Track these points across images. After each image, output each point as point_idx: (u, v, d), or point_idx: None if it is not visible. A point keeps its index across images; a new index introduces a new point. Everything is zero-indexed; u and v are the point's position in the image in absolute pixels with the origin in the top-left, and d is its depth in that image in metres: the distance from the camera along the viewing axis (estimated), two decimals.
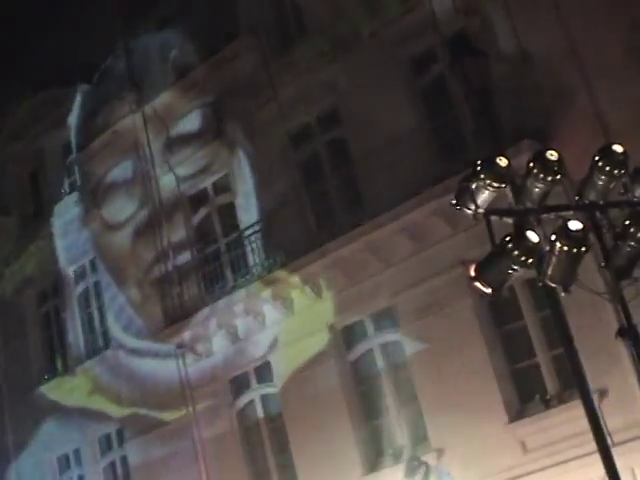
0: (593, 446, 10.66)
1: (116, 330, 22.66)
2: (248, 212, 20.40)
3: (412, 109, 18.39)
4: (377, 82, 18.51)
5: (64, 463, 23.95)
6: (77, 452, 23.56)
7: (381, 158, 17.85)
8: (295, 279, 18.83)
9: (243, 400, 20.42)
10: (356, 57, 18.92)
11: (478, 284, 7.98)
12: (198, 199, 21.93)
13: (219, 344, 20.31)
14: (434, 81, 18.64)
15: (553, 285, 8.36)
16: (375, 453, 18.27)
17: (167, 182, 21.98)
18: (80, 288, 24.18)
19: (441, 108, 18.25)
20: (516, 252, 7.89)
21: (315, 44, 19.59)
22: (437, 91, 18.43)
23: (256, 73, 20.26)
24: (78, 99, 24.01)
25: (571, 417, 15.11)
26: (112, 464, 23.00)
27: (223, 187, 21.40)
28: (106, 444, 23.08)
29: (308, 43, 19.83)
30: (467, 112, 17.68)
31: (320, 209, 19.73)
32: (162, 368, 21.18)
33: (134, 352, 21.89)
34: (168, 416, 21.01)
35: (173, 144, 21.79)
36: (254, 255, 19.95)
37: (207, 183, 21.67)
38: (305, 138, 20.20)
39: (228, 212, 21.20)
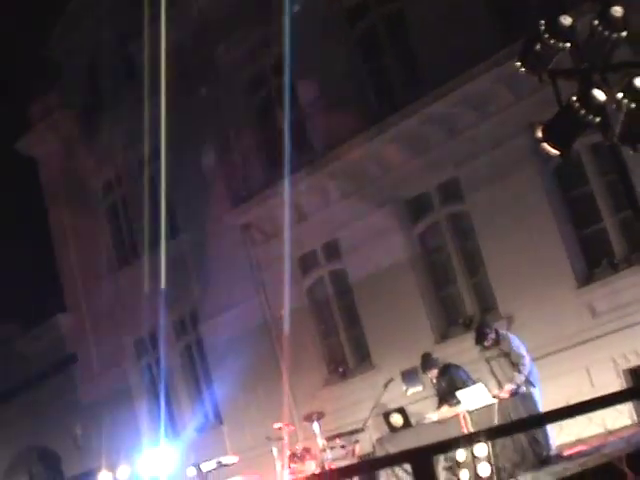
0: None
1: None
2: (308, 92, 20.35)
3: None
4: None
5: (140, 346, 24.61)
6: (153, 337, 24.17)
7: (439, 29, 17.61)
8: (357, 154, 18.84)
9: (312, 277, 20.73)
10: None
11: (546, 145, 7.95)
12: (259, 80, 21.89)
13: (285, 223, 20.48)
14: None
15: (621, 144, 8.31)
16: (446, 323, 18.55)
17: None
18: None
19: None
20: (583, 111, 7.83)
21: None
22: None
23: None
24: None
25: (639, 280, 15.12)
26: (188, 347, 23.57)
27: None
28: (180, 327, 23.60)
29: None
30: None
31: (380, 85, 19.61)
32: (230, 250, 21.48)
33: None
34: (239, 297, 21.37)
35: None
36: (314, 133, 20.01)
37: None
38: (362, 12, 19.95)
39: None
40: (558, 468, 11.74)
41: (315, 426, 15.56)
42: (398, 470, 12.90)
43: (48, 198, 26.76)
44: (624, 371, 16.03)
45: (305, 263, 20.82)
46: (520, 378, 13.36)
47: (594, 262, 16.79)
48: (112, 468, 18.74)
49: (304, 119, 20.36)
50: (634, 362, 15.96)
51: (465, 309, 18.24)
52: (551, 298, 16.52)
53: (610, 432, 12.78)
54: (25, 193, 26.84)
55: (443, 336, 18.34)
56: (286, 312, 18.22)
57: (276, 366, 20.40)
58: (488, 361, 13.92)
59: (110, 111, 24.39)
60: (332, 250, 20.30)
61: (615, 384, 15.40)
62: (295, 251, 20.49)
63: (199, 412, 23.22)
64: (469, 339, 14.62)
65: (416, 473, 4.97)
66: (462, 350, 15.56)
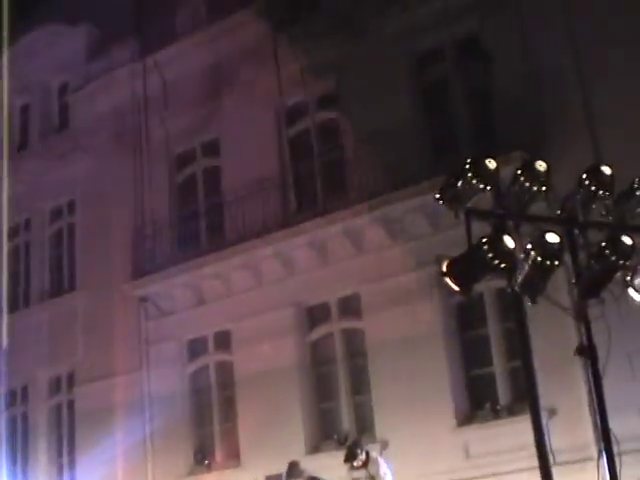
0: (534, 462, 10.68)
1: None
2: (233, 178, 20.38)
3: (410, 102, 18.40)
4: (379, 71, 18.49)
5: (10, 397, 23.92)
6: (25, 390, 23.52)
7: (371, 145, 17.86)
8: (267, 251, 18.88)
9: (198, 362, 20.48)
10: (362, 41, 18.85)
11: (448, 280, 7.99)
12: (184, 158, 21.90)
13: (183, 304, 20.31)
14: (436, 79, 18.72)
15: (521, 294, 8.38)
16: (320, 435, 18.42)
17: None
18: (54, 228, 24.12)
19: (439, 107, 18.30)
20: (491, 255, 7.90)
21: (323, 23, 19.48)
22: (437, 89, 18.48)
23: (262, 43, 20.15)
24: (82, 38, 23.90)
25: (517, 430, 15.17)
26: (59, 407, 22.98)
27: (212, 149, 21.39)
28: (55, 385, 23.04)
29: (316, 21, 19.70)
30: (464, 114, 17.75)
31: (303, 187, 19.78)
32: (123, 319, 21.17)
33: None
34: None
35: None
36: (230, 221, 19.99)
37: (195, 143, 21.65)
38: (298, 115, 20.17)
39: (212, 176, 21.20)
40: None
41: None
42: None
43: None
44: None
45: (194, 347, 20.57)
46: None
47: (477, 404, 16.91)
48: None
49: (222, 205, 20.32)
50: None
51: (342, 425, 18.14)
52: (429, 431, 16.56)
53: None
54: None
55: (315, 448, 18.19)
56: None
57: (143, 446, 19.99)
58: None
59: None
60: (223, 340, 20.11)
61: None
62: (186, 333, 20.31)
63: (55, 475, 22.55)
64: (340, 456, 14.46)
65: None
66: (331, 466, 15.32)
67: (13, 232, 25.11)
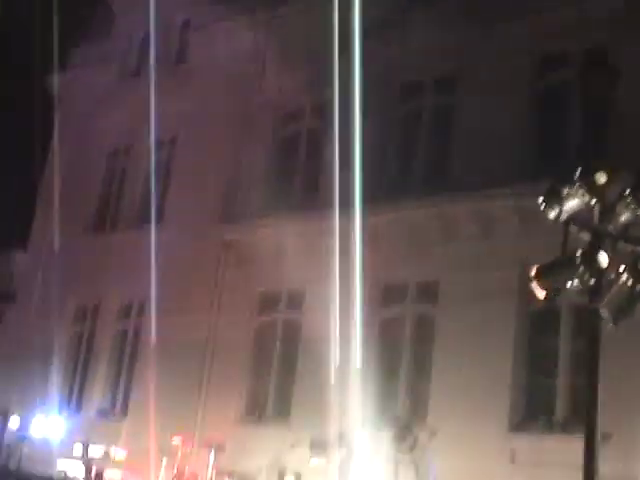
0: None
1: None
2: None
3: (526, 103, 18.25)
4: (501, 65, 18.38)
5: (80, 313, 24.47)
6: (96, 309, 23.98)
7: (481, 138, 17.79)
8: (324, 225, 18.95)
9: (269, 316, 20.78)
10: (490, 33, 18.72)
11: (535, 285, 7.98)
12: (292, 115, 21.98)
13: (263, 257, 20.51)
14: (557, 84, 18.51)
15: (602, 314, 8.33)
16: (372, 413, 18.50)
17: None
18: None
19: (554, 112, 18.12)
20: (582, 268, 7.87)
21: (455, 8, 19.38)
22: (556, 95, 18.29)
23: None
24: None
25: (567, 448, 15.02)
26: (124, 332, 23.45)
27: (321, 111, 21.42)
28: (125, 311, 23.48)
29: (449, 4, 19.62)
30: (579, 125, 17.55)
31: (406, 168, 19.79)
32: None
33: None
34: None
35: None
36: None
37: (305, 102, 21.65)
38: (414, 94, 20.13)
39: (314, 137, 21.23)
40: None
41: (211, 456, 15.46)
42: None
43: (58, 134, 26.53)
44: None
45: (266, 301, 20.82)
46: None
47: (533, 414, 16.83)
48: (4, 412, 18.54)
49: (320, 168, 20.39)
50: None
51: (396, 407, 18.19)
52: (479, 429, 16.53)
53: None
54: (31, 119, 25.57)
55: (365, 423, 18.23)
56: None
57: (200, 383, 20.33)
58: (397, 464, 13.86)
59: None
60: (296, 298, 20.31)
61: None
62: (261, 286, 20.56)
63: (109, 397, 23.07)
64: (388, 436, 14.54)
65: None
66: (377, 444, 15.47)
67: (112, 156, 25.64)
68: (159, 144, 24.56)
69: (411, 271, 18.64)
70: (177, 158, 23.96)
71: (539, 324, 17.17)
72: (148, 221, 22.74)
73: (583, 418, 9.78)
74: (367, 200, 18.68)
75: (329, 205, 19.10)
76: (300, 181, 21.20)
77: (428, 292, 18.63)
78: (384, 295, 19.25)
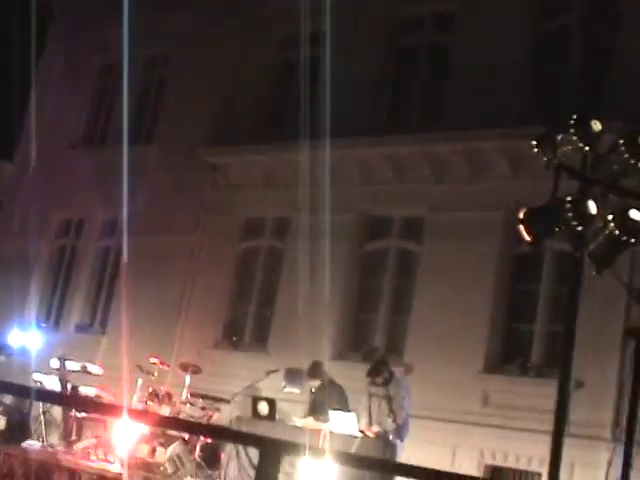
0: (548, 426, 10.70)
1: None
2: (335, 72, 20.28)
3: (525, 45, 18.07)
4: (503, 5, 18.16)
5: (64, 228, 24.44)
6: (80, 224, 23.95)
7: (477, 77, 17.64)
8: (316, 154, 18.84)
9: (253, 242, 20.78)
10: None
11: (523, 228, 8.00)
12: (291, 41, 21.78)
13: (251, 182, 20.43)
14: (558, 28, 18.32)
15: (588, 261, 8.36)
16: (350, 344, 18.63)
17: None
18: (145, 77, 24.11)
19: (552, 58, 17.97)
20: (570, 214, 7.88)
21: None
22: (556, 39, 18.11)
23: None
24: None
25: (540, 393, 15.24)
26: (107, 249, 23.43)
27: (317, 41, 21.20)
28: (108, 227, 23.43)
29: None
30: (577, 72, 17.42)
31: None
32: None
33: None
34: None
35: None
36: None
37: (302, 30, 21.44)
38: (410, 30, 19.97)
39: (315, 65, 21.07)
40: None
41: (187, 378, 15.56)
42: (243, 456, 12.90)
43: (50, 42, 26.22)
44: (486, 466, 16.23)
45: (251, 227, 20.80)
46: (391, 426, 13.39)
47: (508, 357, 16.94)
48: None
49: (317, 97, 20.22)
50: (498, 462, 16.16)
51: (374, 340, 18.32)
52: (454, 369, 16.65)
53: None
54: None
55: (341, 355, 18.39)
56: None
57: (180, 305, 20.42)
58: (370, 397, 13.92)
59: None
60: (281, 226, 20.30)
61: (472, 473, 15.51)
62: (246, 211, 20.53)
63: (88, 314, 23.11)
64: (364, 369, 14.61)
65: (262, 461, 4.98)
66: (352, 376, 15.51)
67: (104, 72, 25.33)
68: (152, 61, 24.32)
69: (398, 206, 18.62)
70: (170, 77, 23.70)
71: (521, 268, 17.24)
72: (137, 139, 22.58)
73: (558, 364, 9.90)
74: (359, 133, 18.61)
75: (321, 135, 19.00)
76: (294, 109, 21.00)
77: (413, 229, 18.65)
78: (369, 228, 19.26)
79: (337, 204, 18.78)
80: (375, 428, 13.36)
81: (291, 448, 5.33)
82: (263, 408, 13.85)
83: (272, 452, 4.92)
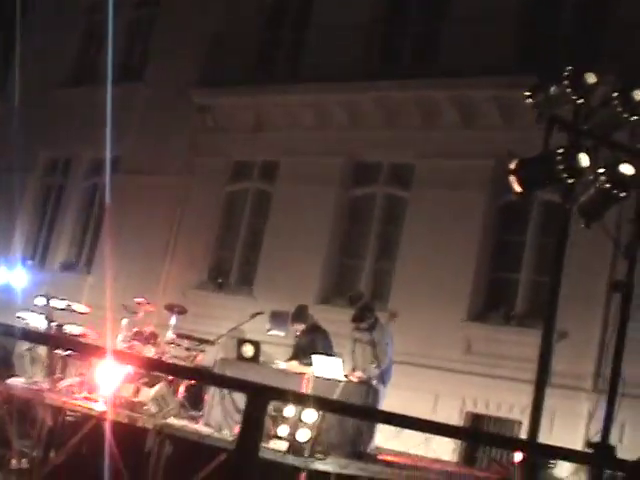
0: (530, 376, 10.77)
1: None
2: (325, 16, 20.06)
3: None
4: None
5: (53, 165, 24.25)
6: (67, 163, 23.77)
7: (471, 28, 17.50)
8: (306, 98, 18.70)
9: (239, 185, 20.74)
10: None
11: (513, 179, 7.98)
12: None
13: (240, 124, 20.31)
14: None
15: (577, 214, 8.37)
16: (335, 289, 18.69)
17: None
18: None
19: (548, 7, 17.81)
20: (562, 167, 7.86)
21: None
22: None
23: None
24: None
25: (522, 342, 15.34)
26: (94, 187, 23.30)
27: None
28: (96, 166, 23.26)
29: None
30: (572, 24, 17.29)
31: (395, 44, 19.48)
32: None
33: None
34: None
35: None
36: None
37: None
38: None
39: (305, 7, 20.85)
40: (374, 468, 12.05)
41: (172, 319, 15.57)
42: (228, 400, 12.93)
43: None
44: (467, 413, 16.39)
45: (239, 169, 20.72)
46: (374, 372, 13.43)
47: (493, 306, 17.02)
48: None
49: (307, 40, 20.07)
50: (480, 410, 16.30)
51: (359, 286, 18.36)
52: (439, 316, 16.78)
53: (437, 461, 13.09)
54: None
55: (326, 299, 18.46)
56: None
57: (167, 246, 20.42)
58: (354, 342, 13.96)
59: None
60: (270, 170, 20.21)
61: (454, 421, 15.66)
62: (235, 154, 20.46)
63: (74, 253, 23.06)
64: (348, 314, 14.65)
65: (248, 406, 4.99)
66: (337, 320, 15.56)
67: (92, 10, 25.00)
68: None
69: (387, 152, 18.56)
70: (159, 14, 23.43)
71: (508, 218, 17.24)
72: (126, 78, 22.37)
73: (542, 314, 9.95)
74: (350, 77, 18.50)
75: (312, 78, 18.91)
76: (285, 51, 20.86)
77: (402, 175, 18.62)
78: (357, 173, 19.21)
79: (326, 148, 18.77)
80: (358, 373, 13.40)
81: (276, 394, 5.33)
82: (248, 350, 13.84)
83: (258, 397, 4.92)
